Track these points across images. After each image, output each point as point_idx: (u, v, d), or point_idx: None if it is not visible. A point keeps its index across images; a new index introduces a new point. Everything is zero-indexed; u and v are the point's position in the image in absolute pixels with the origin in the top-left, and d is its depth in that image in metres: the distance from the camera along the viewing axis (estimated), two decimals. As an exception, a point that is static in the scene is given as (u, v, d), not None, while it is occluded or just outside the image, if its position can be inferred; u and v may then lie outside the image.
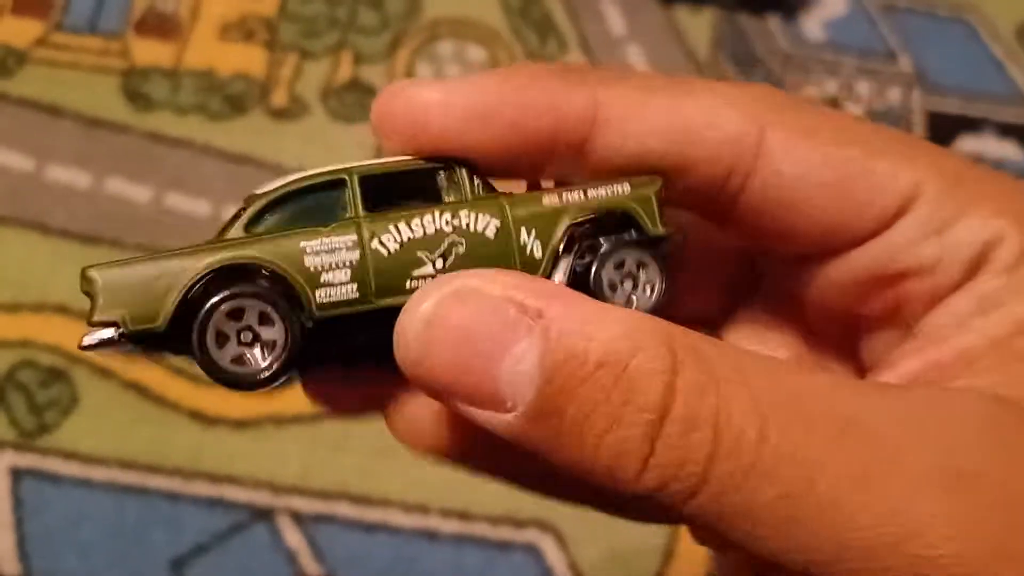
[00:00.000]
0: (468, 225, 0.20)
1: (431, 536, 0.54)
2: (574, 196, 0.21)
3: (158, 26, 0.68)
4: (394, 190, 0.20)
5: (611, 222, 0.21)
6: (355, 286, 0.20)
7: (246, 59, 0.67)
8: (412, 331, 0.17)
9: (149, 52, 0.67)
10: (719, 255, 0.25)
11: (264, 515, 0.54)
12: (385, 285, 0.20)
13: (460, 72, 0.68)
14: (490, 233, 0.20)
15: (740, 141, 0.21)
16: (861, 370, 0.24)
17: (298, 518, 0.54)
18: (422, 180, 0.21)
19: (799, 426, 0.16)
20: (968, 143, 0.68)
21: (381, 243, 0.20)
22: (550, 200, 0.21)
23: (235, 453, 0.55)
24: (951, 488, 0.17)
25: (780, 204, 0.21)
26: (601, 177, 0.21)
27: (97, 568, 0.53)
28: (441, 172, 0.21)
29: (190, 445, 0.55)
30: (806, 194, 0.21)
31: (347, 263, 0.20)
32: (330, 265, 0.19)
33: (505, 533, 0.54)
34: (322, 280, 0.19)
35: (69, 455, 0.55)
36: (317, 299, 0.19)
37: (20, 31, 0.67)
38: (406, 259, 0.20)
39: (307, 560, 0.53)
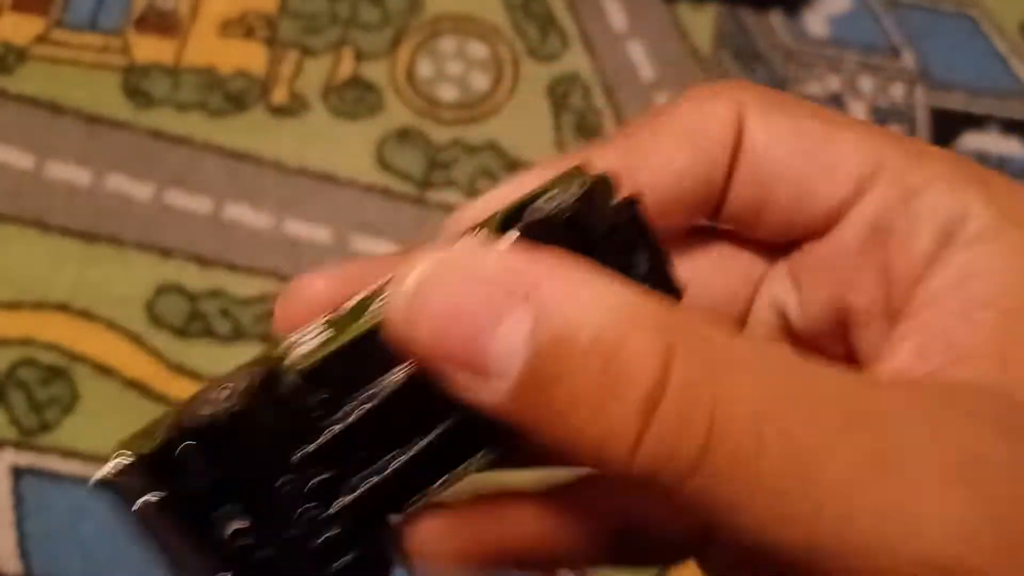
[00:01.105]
0: None
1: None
2: None
3: (158, 23, 0.68)
4: None
5: None
6: None
7: (246, 56, 0.66)
8: (401, 299, 0.16)
9: (149, 49, 0.66)
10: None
11: (265, 513, 0.54)
12: None
13: (461, 68, 0.68)
14: None
15: (726, 126, 0.21)
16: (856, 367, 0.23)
17: (299, 516, 0.54)
18: None
19: (800, 417, 0.16)
20: (972, 140, 0.68)
21: None
22: None
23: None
24: (959, 487, 0.16)
25: (757, 178, 0.21)
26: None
27: (97, 566, 0.53)
28: None
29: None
30: (778, 163, 0.21)
31: None
32: None
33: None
34: None
35: (69, 453, 0.55)
36: None
37: (20, 28, 0.67)
38: None
39: (308, 559, 0.53)
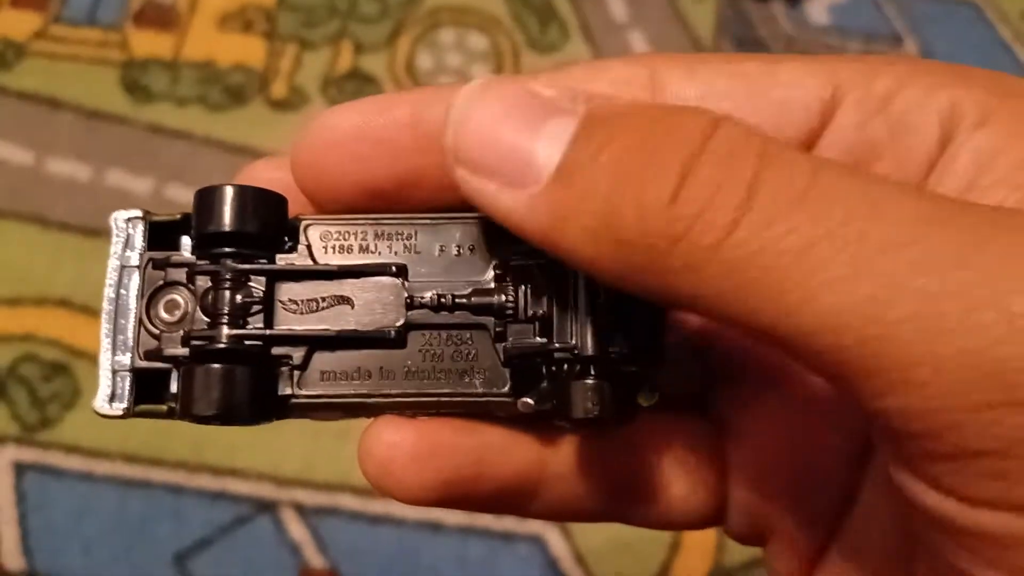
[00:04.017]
0: None
1: (435, 527, 0.53)
2: None
3: (157, 17, 0.67)
4: None
5: None
6: None
7: (245, 50, 0.66)
8: (454, 108, 0.17)
9: (148, 44, 0.66)
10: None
11: (268, 507, 0.54)
12: None
13: (461, 60, 0.67)
14: None
15: (630, 82, 0.19)
16: None
17: (302, 510, 0.54)
18: None
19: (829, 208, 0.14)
20: (975, 127, 0.67)
21: None
22: None
23: (238, 446, 0.55)
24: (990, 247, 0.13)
25: None
26: None
27: (101, 562, 0.52)
28: None
29: (193, 438, 0.55)
30: (717, 109, 0.19)
31: None
32: None
33: (509, 524, 0.53)
34: None
35: (72, 449, 0.54)
36: None
37: (19, 24, 0.66)
38: None
39: (311, 552, 0.53)
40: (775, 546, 0.22)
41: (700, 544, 0.54)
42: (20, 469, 0.54)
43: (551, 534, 0.53)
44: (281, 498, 0.54)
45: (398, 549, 0.53)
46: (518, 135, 0.16)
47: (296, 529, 0.53)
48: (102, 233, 0.60)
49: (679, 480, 0.21)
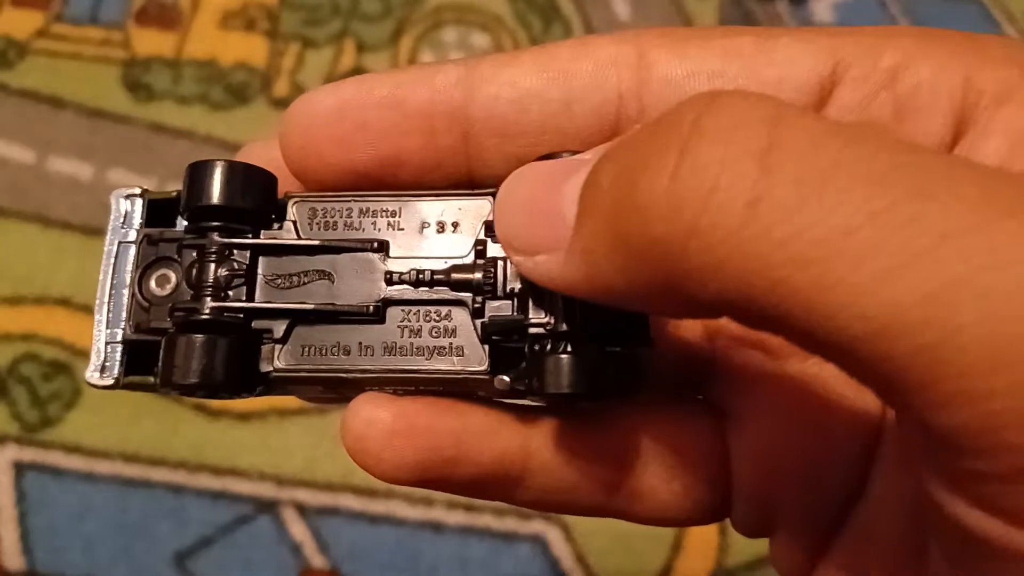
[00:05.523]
0: None
1: (436, 528, 0.53)
2: None
3: (159, 16, 0.67)
4: None
5: None
6: None
7: (247, 48, 0.66)
8: (498, 200, 0.17)
9: (150, 42, 0.66)
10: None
11: (268, 507, 0.54)
12: None
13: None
14: None
15: (617, 61, 0.19)
16: None
17: (302, 510, 0.54)
18: None
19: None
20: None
21: None
22: None
23: (239, 446, 0.55)
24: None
25: None
26: None
27: (101, 562, 0.52)
28: None
29: (194, 438, 0.55)
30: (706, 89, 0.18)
31: None
32: None
33: (511, 524, 0.53)
34: None
35: (72, 449, 0.54)
36: None
37: (21, 22, 0.66)
38: None
39: (312, 552, 0.53)
40: (781, 537, 0.21)
41: (702, 544, 0.54)
42: (20, 468, 0.54)
43: (552, 534, 0.53)
44: (282, 498, 0.54)
45: (399, 549, 0.53)
46: (548, 202, 0.16)
47: (297, 529, 0.53)
48: (104, 232, 0.59)
49: (678, 472, 0.21)
